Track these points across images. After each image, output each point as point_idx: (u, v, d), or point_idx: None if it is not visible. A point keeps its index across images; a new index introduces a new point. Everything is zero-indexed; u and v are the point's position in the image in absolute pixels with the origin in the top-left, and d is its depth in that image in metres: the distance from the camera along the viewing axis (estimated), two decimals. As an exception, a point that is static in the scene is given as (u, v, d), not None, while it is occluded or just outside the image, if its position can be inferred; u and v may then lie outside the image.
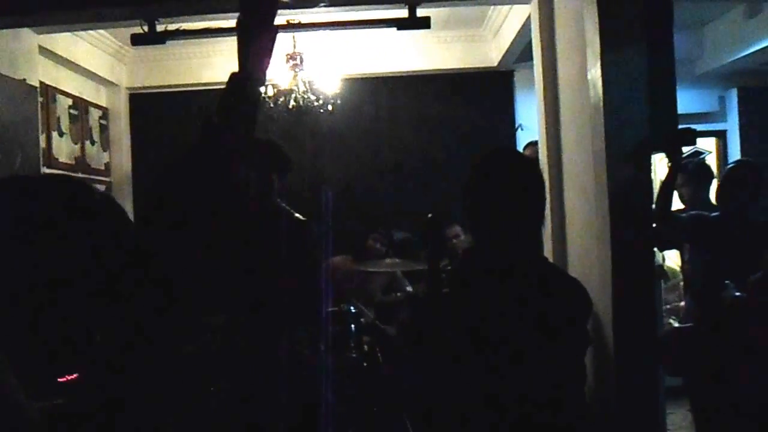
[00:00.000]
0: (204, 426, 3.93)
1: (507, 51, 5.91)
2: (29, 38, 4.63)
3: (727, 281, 3.33)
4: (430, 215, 2.27)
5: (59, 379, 3.54)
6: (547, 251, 4.39)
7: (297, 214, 3.62)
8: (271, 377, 3.35)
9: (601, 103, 3.29)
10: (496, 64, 6.40)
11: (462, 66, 6.58)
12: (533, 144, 5.20)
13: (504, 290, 2.05)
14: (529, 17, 4.68)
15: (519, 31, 5.27)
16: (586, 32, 3.43)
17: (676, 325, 4.75)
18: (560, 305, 2.07)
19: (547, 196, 4.24)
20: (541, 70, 4.37)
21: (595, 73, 3.36)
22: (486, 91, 6.70)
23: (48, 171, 5.36)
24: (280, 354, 3.36)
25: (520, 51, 5.72)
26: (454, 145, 6.59)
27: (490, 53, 6.45)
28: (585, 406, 2.17)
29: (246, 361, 3.54)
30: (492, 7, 5.72)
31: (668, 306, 5.99)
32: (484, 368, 2.02)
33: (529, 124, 6.37)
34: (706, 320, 3.63)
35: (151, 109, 6.93)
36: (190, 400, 4.22)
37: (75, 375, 3.57)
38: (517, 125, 6.67)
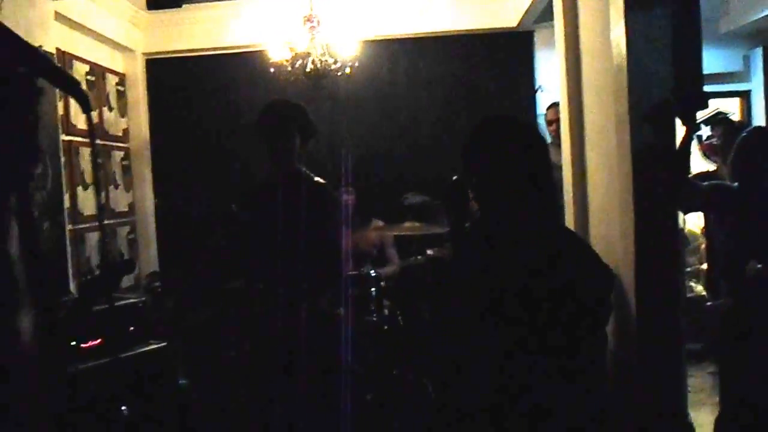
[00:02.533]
0: (222, 389, 3.96)
1: (527, 11, 5.80)
2: (44, 4, 4.60)
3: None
4: (455, 177, 2.24)
5: (83, 345, 3.57)
6: (568, 215, 4.35)
7: (317, 178, 3.61)
8: (292, 340, 3.36)
9: (625, 63, 3.23)
10: (515, 24, 6.30)
11: (481, 27, 6.48)
12: (555, 105, 5.15)
13: (512, 261, 2.02)
14: (549, -25, 4.60)
15: (540, -11, 5.18)
16: (610, -10, 3.35)
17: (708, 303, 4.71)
18: (577, 278, 2.02)
19: (568, 159, 4.21)
20: (562, 30, 4.30)
21: (618, 32, 3.29)
22: (505, 53, 6.59)
23: (67, 138, 5.36)
24: (301, 316, 3.37)
25: (541, 11, 5.62)
26: (473, 108, 6.52)
27: (509, 13, 6.33)
28: (605, 373, 2.15)
29: (265, 325, 3.55)
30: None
31: (689, 269, 5.96)
32: (503, 336, 2.00)
33: (550, 85, 6.29)
34: (732, 293, 3.58)
35: (168, 74, 6.89)
36: (209, 364, 4.25)
37: (98, 341, 3.58)
38: (537, 87, 6.58)
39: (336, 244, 3.53)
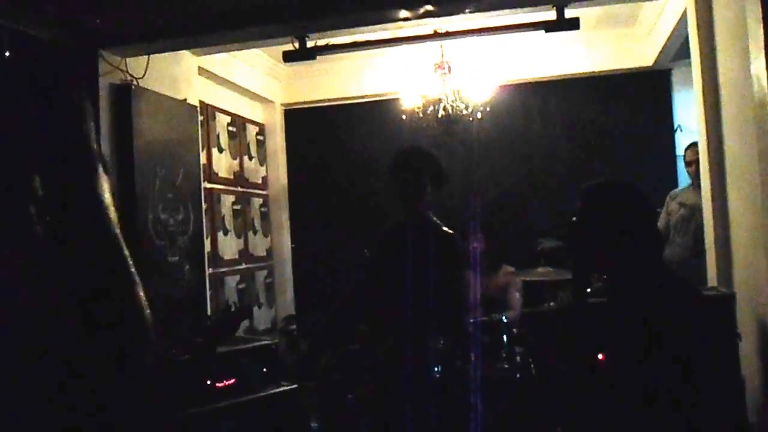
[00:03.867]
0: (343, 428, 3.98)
1: (663, 49, 5.63)
2: (189, 60, 4.89)
3: None
4: (574, 219, 2.21)
5: (218, 385, 3.69)
6: (710, 260, 4.15)
7: (444, 227, 3.60)
8: (416, 385, 3.35)
9: (767, 98, 3.06)
10: (651, 63, 6.12)
11: (616, 67, 6.34)
12: (694, 145, 4.94)
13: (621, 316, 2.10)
14: (685, 11, 4.45)
15: (675, 27, 5.01)
16: (748, 22, 3.20)
17: None
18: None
19: (709, 201, 4.01)
20: (699, 66, 4.14)
21: (758, 66, 3.13)
22: (642, 92, 6.41)
23: (209, 185, 5.63)
24: (424, 363, 3.36)
25: (677, 48, 5.43)
26: (609, 150, 6.36)
27: (645, 52, 6.17)
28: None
29: (388, 368, 3.55)
30: (645, 3, 5.47)
31: None
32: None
33: (690, 124, 6.05)
34: None
35: (305, 123, 7.14)
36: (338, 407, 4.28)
37: (232, 380, 3.69)
38: (675, 127, 6.34)
39: (460, 294, 3.49)
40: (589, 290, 2.24)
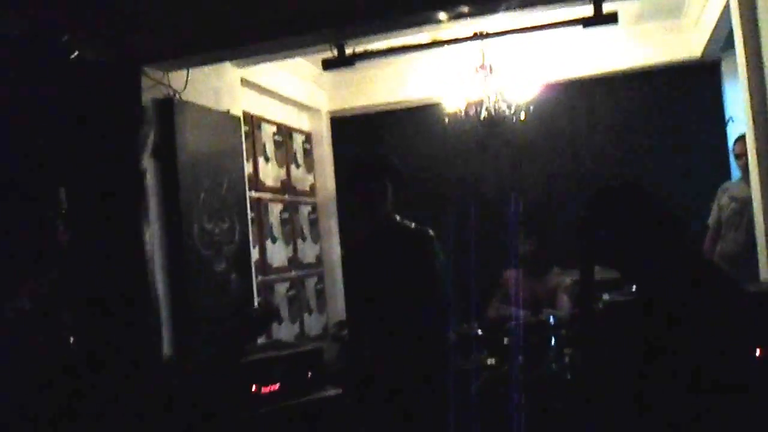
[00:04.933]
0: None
1: (710, 39, 5.50)
2: (231, 72, 4.97)
3: None
4: (582, 214, 2.20)
5: (263, 390, 3.73)
6: (761, 254, 4.04)
7: (413, 225, 3.57)
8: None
9: (809, 86, 2.98)
10: (699, 54, 5.98)
11: (663, 60, 6.22)
12: (742, 138, 4.81)
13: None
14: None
15: (721, 16, 4.88)
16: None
17: None
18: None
19: (758, 195, 3.91)
20: (743, 56, 4.04)
21: (800, 53, 3.05)
22: (691, 85, 6.28)
23: (256, 194, 5.71)
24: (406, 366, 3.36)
25: (725, 37, 5.29)
26: (659, 146, 6.25)
27: (692, 44, 6.03)
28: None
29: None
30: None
31: None
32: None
33: (742, 115, 5.90)
34: None
35: (351, 130, 7.19)
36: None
37: (276, 386, 3.72)
38: (727, 119, 6.19)
39: (436, 288, 3.46)
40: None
